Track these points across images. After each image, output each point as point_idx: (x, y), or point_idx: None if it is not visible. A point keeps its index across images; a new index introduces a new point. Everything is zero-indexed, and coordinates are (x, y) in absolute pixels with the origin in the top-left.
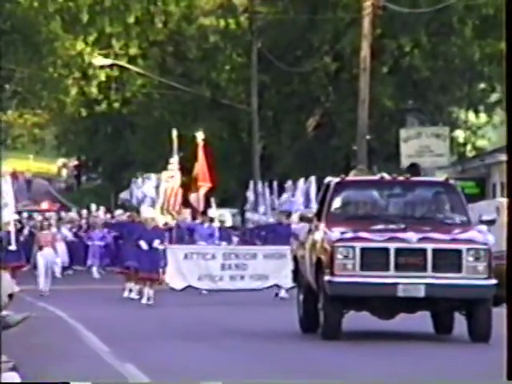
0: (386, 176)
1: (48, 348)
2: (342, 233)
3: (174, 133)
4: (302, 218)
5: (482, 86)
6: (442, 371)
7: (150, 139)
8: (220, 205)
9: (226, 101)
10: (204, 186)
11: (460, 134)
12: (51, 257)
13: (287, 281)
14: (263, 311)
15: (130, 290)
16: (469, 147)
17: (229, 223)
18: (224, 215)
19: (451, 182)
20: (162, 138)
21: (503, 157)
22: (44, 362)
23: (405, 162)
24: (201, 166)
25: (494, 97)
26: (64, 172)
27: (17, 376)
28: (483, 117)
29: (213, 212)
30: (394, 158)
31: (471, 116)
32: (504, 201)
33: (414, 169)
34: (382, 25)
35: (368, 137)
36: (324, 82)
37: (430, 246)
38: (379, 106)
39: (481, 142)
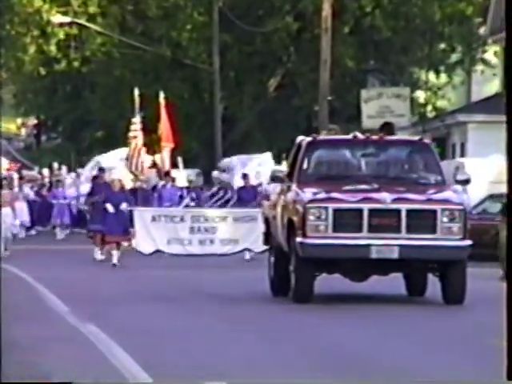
0: (359, 135)
1: (8, 308)
2: (315, 193)
3: (136, 92)
4: (274, 178)
5: (443, 46)
6: (415, 334)
7: (110, 98)
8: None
9: (188, 60)
10: (167, 146)
11: (421, 95)
12: (9, 217)
13: (257, 245)
14: (232, 273)
15: (100, 252)
16: (429, 108)
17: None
18: (191, 175)
19: (426, 141)
20: (122, 97)
21: (463, 117)
22: (5, 322)
23: (366, 122)
24: (164, 126)
25: (454, 57)
26: (23, 131)
27: None
28: (443, 77)
29: (180, 172)
30: (356, 119)
31: (432, 76)
32: (463, 160)
33: (388, 128)
34: None
35: (329, 97)
36: (286, 42)
37: (404, 207)
38: (341, 66)
39: (441, 103)
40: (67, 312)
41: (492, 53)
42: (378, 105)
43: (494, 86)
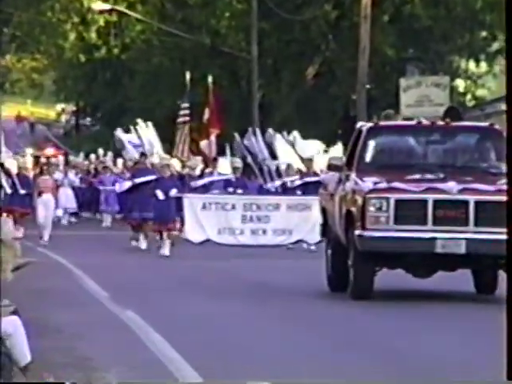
0: (424, 121)
1: (48, 294)
2: (375, 183)
3: (188, 76)
4: (331, 167)
5: (484, 34)
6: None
7: (148, 86)
8: (219, 153)
9: (226, 48)
10: (214, 131)
11: (460, 84)
12: (51, 203)
13: (312, 236)
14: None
15: (142, 239)
16: (469, 97)
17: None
18: (238, 163)
19: (496, 127)
20: (160, 85)
21: (503, 106)
22: (44, 307)
23: (405, 111)
24: (212, 111)
25: (495, 46)
26: (63, 118)
27: (18, 320)
28: (484, 66)
29: (227, 159)
30: (394, 108)
31: (471, 65)
32: None
33: (454, 113)
34: None
35: (368, 86)
36: (324, 29)
37: (472, 198)
38: (379, 54)
39: (481, 92)
40: (107, 298)
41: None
42: (417, 94)
43: None
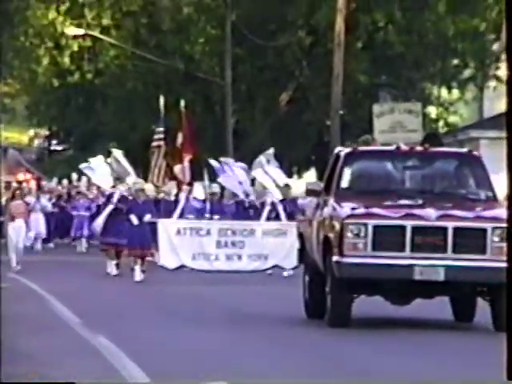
0: (403, 146)
1: (19, 319)
2: (353, 208)
3: (162, 101)
4: (309, 192)
5: (456, 62)
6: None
7: (122, 111)
8: (193, 178)
9: (200, 74)
10: (188, 156)
11: (432, 110)
12: (22, 229)
13: (288, 261)
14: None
15: (117, 266)
16: (441, 123)
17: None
18: (216, 187)
19: (475, 153)
20: (134, 109)
21: (474, 133)
22: (15, 333)
23: (378, 137)
24: (185, 136)
25: (467, 73)
26: (35, 142)
27: None
28: (456, 93)
29: (205, 184)
30: (367, 134)
31: (444, 92)
32: None
33: (434, 138)
34: None
35: (341, 112)
36: (298, 56)
37: (450, 224)
38: (353, 81)
39: (453, 118)
40: (79, 324)
41: (505, 69)
42: (391, 120)
43: None
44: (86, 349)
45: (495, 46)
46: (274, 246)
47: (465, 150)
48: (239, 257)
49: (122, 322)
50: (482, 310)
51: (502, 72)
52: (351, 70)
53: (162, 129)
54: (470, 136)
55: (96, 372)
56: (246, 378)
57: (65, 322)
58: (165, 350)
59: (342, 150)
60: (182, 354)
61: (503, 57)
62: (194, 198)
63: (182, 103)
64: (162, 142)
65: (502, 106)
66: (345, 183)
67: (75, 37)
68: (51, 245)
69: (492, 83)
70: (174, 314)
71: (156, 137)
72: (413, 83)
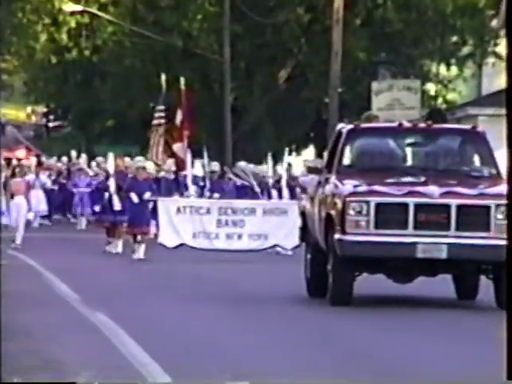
0: (405, 123)
1: (17, 296)
2: (355, 186)
3: (163, 78)
4: (311, 170)
5: (454, 38)
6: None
7: (120, 88)
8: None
9: (198, 51)
10: (187, 134)
11: (431, 87)
12: (23, 206)
13: (289, 241)
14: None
15: (116, 242)
16: (439, 100)
17: (201, 173)
18: (216, 165)
19: (479, 129)
20: (132, 86)
21: (473, 110)
22: (13, 310)
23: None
24: (185, 113)
25: (466, 50)
26: (33, 119)
27: None
28: (454, 70)
29: (205, 162)
30: (366, 111)
31: (442, 69)
32: None
33: (438, 115)
34: None
35: (340, 89)
36: (297, 33)
37: (454, 202)
38: (352, 58)
39: (451, 95)
40: (78, 300)
41: (504, 46)
42: (389, 97)
43: (505, 79)
44: (84, 325)
45: (494, 23)
46: (275, 225)
47: (468, 126)
48: (239, 236)
49: (121, 299)
50: (485, 287)
51: (501, 48)
52: (350, 47)
53: (162, 107)
54: (468, 113)
55: (94, 348)
56: (244, 356)
57: (63, 298)
58: (163, 327)
59: (344, 127)
60: (180, 332)
61: (502, 33)
62: (195, 176)
63: (182, 81)
64: (162, 121)
65: (500, 83)
66: (347, 160)
67: (73, 13)
68: (48, 222)
69: (491, 60)
70: (173, 292)
71: (157, 115)
72: (411, 60)
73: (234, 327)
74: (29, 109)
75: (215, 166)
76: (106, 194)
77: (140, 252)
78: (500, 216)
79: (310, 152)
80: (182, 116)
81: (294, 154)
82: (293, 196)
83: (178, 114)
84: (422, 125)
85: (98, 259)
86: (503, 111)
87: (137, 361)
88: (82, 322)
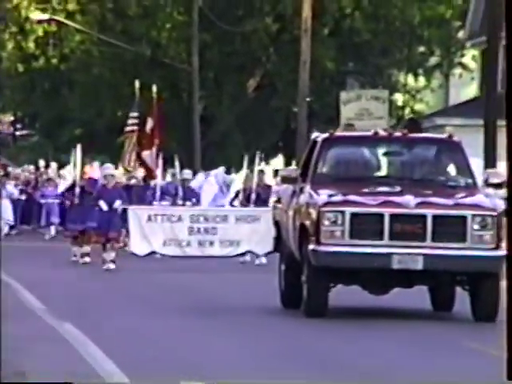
0: (381, 132)
1: None
2: (330, 195)
3: (137, 84)
4: (284, 179)
5: (422, 49)
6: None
7: (88, 96)
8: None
9: (167, 60)
10: (157, 142)
11: (399, 98)
12: None
13: (261, 247)
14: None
15: (86, 254)
16: (407, 110)
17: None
18: (188, 173)
19: (455, 139)
20: (101, 95)
21: (440, 121)
22: None
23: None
24: (156, 122)
25: (433, 60)
26: (0, 128)
27: None
28: (422, 80)
29: (176, 170)
30: (334, 121)
31: (410, 79)
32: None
33: (413, 124)
34: None
35: (308, 99)
36: (265, 42)
37: (429, 212)
38: (320, 67)
39: (419, 106)
40: (44, 311)
41: (470, 57)
42: (357, 107)
43: (472, 89)
44: (51, 336)
45: (460, 34)
46: (247, 232)
47: (444, 135)
48: (211, 243)
49: (90, 309)
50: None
51: (467, 59)
52: (318, 56)
53: (136, 114)
54: (435, 123)
55: (61, 359)
56: (217, 368)
57: (30, 309)
58: (133, 337)
59: (319, 136)
60: (149, 342)
61: (468, 44)
62: (169, 184)
63: (154, 89)
64: (135, 127)
65: (467, 93)
66: (322, 170)
67: (40, 21)
68: (15, 231)
69: (457, 70)
70: (143, 302)
71: (130, 122)
72: (379, 70)
73: (207, 338)
74: None
75: (188, 174)
76: (72, 203)
77: (109, 261)
78: (476, 226)
79: (278, 161)
80: (153, 124)
81: (263, 163)
82: (262, 203)
83: (148, 121)
84: (398, 134)
85: (67, 269)
86: (470, 121)
87: (104, 371)
88: (49, 332)
